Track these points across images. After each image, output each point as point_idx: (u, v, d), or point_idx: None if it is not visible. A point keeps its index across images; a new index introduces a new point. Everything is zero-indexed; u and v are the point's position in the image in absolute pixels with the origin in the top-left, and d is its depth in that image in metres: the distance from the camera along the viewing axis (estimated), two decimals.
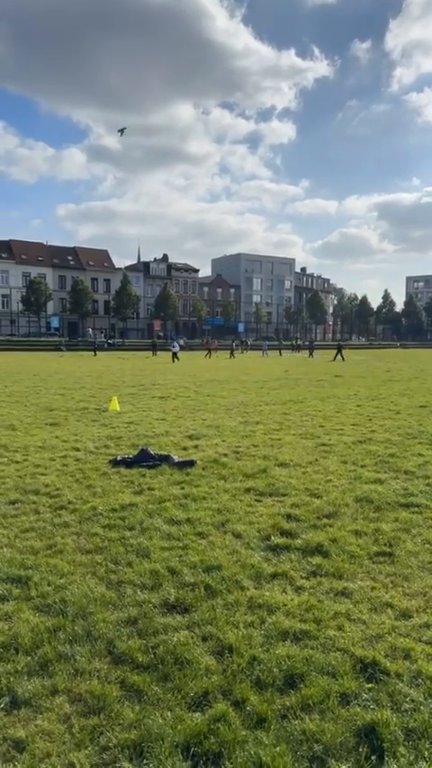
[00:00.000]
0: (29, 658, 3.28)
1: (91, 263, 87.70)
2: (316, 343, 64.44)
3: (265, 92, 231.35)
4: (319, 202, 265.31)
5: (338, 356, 43.37)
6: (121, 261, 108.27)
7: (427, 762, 2.51)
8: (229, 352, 50.20)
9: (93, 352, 52.30)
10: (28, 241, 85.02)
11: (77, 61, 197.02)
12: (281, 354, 54.84)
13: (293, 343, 68.63)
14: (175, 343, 42.09)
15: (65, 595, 3.98)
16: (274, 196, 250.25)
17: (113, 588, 4.12)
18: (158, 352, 50.18)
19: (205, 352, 49.36)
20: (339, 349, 45.60)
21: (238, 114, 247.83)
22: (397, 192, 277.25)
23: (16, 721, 2.78)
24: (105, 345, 63.54)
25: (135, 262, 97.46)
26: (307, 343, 62.34)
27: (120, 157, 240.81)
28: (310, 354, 50.57)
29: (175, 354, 38.98)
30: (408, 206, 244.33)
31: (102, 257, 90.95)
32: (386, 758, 2.53)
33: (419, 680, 3.06)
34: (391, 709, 2.84)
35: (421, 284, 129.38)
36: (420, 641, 3.44)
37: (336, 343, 62.15)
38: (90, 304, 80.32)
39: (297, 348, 63.93)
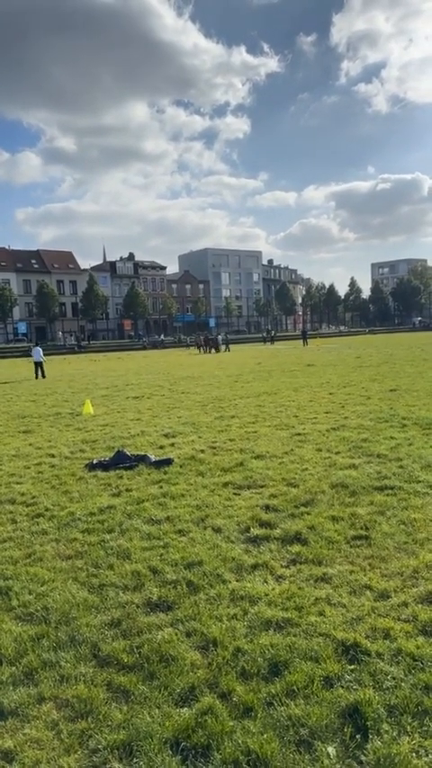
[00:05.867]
0: (13, 668, 3.26)
1: (56, 265, 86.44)
2: (280, 334, 63.42)
3: (218, 88, 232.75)
4: (278, 194, 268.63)
5: (304, 342, 48.91)
6: (86, 262, 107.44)
7: (409, 736, 2.59)
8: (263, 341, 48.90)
9: None
10: None
11: (24, 63, 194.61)
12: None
13: (264, 335, 68.93)
14: (39, 350, 26.99)
15: (47, 603, 3.96)
16: (235, 190, 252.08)
17: (95, 592, 4.12)
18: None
19: (203, 349, 48.28)
20: (304, 335, 52.18)
21: (192, 111, 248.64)
22: (353, 180, 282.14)
23: (4, 732, 2.77)
24: (76, 348, 62.85)
25: (101, 262, 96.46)
26: (220, 336, 53.02)
27: (76, 159, 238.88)
28: (221, 348, 47.26)
29: (39, 367, 26.05)
30: (364, 194, 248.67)
31: (67, 259, 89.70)
32: (370, 736, 2.60)
33: (399, 657, 3.15)
34: (374, 687, 2.92)
35: (386, 270, 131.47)
36: (399, 620, 3.53)
37: (301, 332, 61.84)
38: (57, 307, 79.22)
39: (270, 340, 63.95)
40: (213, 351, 46.81)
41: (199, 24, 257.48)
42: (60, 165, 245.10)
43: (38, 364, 26.20)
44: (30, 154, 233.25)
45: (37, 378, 25.31)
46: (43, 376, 25.68)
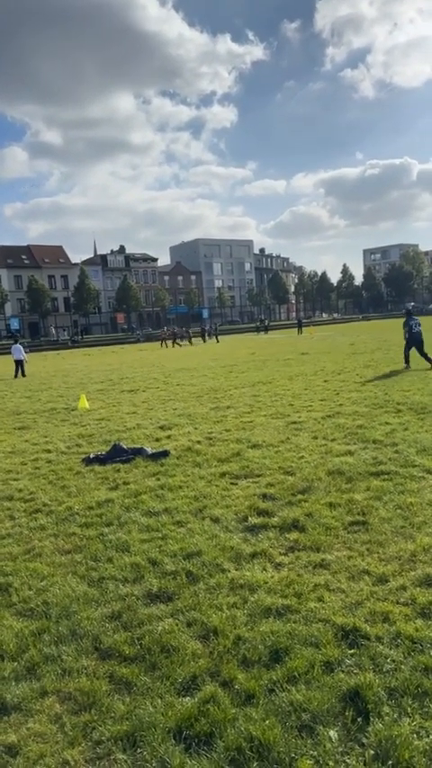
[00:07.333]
0: (15, 664, 3.27)
1: (46, 260, 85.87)
2: (273, 322, 64.27)
3: (203, 77, 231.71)
4: (267, 183, 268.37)
5: (299, 331, 50.12)
6: (77, 256, 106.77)
7: (410, 717, 2.61)
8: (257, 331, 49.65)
9: None
10: None
11: (7, 56, 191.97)
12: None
13: (258, 324, 68.81)
14: (19, 347, 24.67)
15: (47, 597, 3.97)
16: (223, 180, 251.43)
17: (95, 585, 4.12)
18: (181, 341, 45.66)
19: (166, 342, 45.73)
20: (300, 324, 53.14)
21: (178, 101, 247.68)
22: (342, 167, 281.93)
23: (7, 727, 2.78)
24: (69, 343, 62.58)
25: (92, 255, 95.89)
26: (210, 327, 56.59)
27: (62, 152, 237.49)
28: (209, 338, 49.48)
29: (19, 365, 24.15)
30: (353, 180, 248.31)
31: (57, 253, 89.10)
32: (371, 718, 2.62)
33: (399, 640, 3.18)
34: (374, 671, 2.94)
35: (378, 256, 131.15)
36: (398, 603, 3.56)
37: (296, 320, 62.07)
38: (49, 302, 78.72)
39: (264, 329, 63.79)
40: (177, 344, 44.78)
41: (182, 13, 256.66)
42: (47, 159, 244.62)
43: (18, 362, 24.16)
44: (16, 148, 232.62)
45: (16, 377, 23.47)
46: (23, 374, 23.83)
